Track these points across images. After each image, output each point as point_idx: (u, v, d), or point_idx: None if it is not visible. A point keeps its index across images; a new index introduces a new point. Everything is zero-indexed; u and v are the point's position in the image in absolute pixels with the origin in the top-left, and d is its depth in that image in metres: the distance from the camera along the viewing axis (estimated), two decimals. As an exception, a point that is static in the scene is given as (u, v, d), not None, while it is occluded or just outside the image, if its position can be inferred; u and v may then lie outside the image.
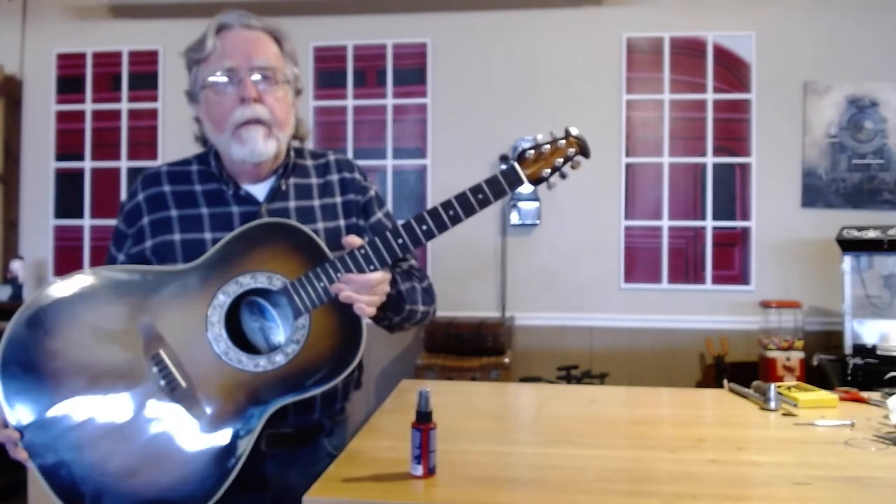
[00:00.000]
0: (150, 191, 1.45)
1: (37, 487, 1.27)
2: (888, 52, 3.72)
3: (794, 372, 3.42)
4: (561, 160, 1.33)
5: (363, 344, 1.32)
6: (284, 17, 4.02)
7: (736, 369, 3.52)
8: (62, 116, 4.13)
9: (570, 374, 3.59)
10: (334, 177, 1.50)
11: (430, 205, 4.14)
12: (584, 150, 1.34)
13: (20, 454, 1.24)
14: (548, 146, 1.33)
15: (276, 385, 1.29)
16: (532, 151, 1.32)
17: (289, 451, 1.42)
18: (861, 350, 3.25)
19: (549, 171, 1.32)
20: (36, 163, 4.15)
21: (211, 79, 1.38)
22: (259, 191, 1.44)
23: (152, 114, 4.06)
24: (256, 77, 1.37)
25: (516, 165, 1.32)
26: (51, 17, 4.16)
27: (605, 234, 3.87)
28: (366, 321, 1.32)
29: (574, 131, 1.34)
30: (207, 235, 1.39)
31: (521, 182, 1.32)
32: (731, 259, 3.82)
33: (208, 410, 1.27)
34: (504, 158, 3.80)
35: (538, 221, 3.86)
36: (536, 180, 1.33)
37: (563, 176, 1.34)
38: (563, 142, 1.33)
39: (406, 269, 1.51)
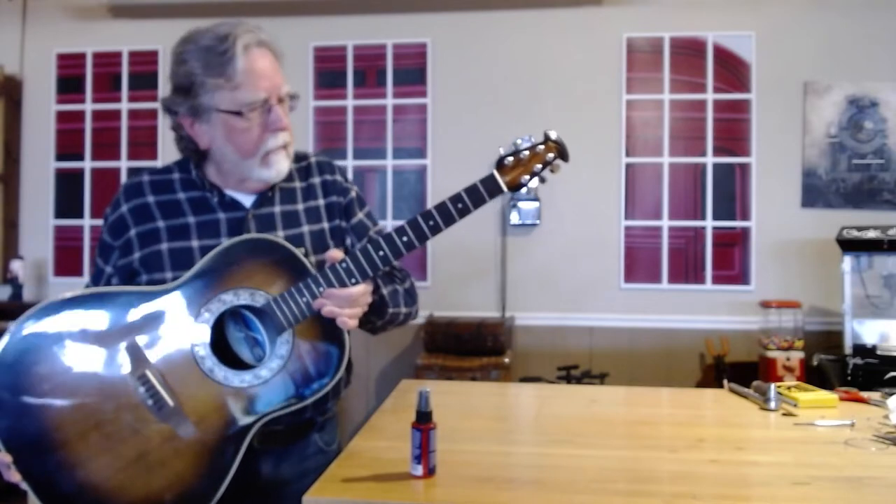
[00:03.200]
0: (134, 202, 1.43)
1: (37, 488, 1.28)
2: (888, 52, 3.72)
3: (794, 372, 3.42)
4: (540, 165, 1.32)
5: (346, 355, 1.34)
6: (284, 18, 4.02)
7: (736, 369, 3.52)
8: (62, 116, 4.12)
9: (570, 374, 3.59)
10: (316, 179, 1.51)
11: (429, 205, 4.15)
12: (563, 154, 1.33)
13: (14, 477, 1.25)
14: (527, 152, 1.32)
15: (262, 399, 1.30)
16: (511, 158, 1.32)
17: (280, 447, 1.43)
18: (861, 350, 3.25)
19: (528, 176, 1.32)
20: (36, 163, 4.15)
21: (241, 108, 1.33)
22: (245, 196, 1.44)
23: (152, 114, 4.05)
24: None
25: (495, 173, 1.32)
26: (51, 17, 4.15)
27: (605, 234, 3.87)
28: (348, 332, 1.34)
29: (553, 135, 1.33)
30: (195, 244, 1.39)
31: (500, 190, 1.32)
32: (731, 259, 3.82)
33: (197, 427, 1.28)
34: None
35: (538, 221, 3.85)
36: (516, 186, 1.32)
37: (542, 180, 1.34)
38: (542, 147, 1.33)
39: (388, 270, 1.51)
